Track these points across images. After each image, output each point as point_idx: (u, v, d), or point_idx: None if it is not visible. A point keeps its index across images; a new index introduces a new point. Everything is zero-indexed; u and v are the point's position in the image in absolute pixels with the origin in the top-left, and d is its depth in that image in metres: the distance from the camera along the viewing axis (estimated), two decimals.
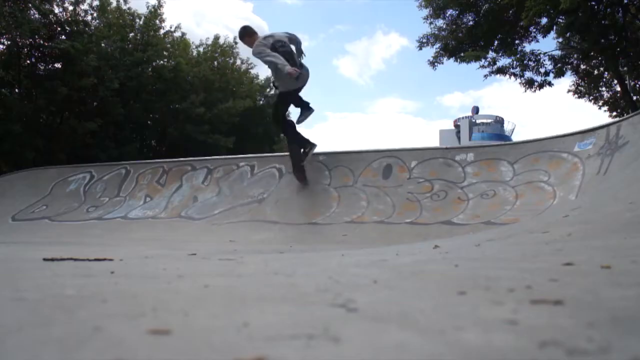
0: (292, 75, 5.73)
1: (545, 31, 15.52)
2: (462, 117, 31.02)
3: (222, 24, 70.28)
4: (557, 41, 16.91)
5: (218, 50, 21.32)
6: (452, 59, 17.15)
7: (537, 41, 17.19)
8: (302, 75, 6.06)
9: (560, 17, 14.23)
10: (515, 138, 30.46)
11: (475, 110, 31.25)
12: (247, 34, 6.23)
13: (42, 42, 13.81)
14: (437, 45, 17.16)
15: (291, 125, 6.73)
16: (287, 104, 6.74)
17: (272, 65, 5.93)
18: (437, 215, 5.71)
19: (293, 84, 6.07)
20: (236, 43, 22.04)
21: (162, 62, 17.96)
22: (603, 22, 14.15)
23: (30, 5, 13.01)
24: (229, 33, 21.54)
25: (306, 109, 6.58)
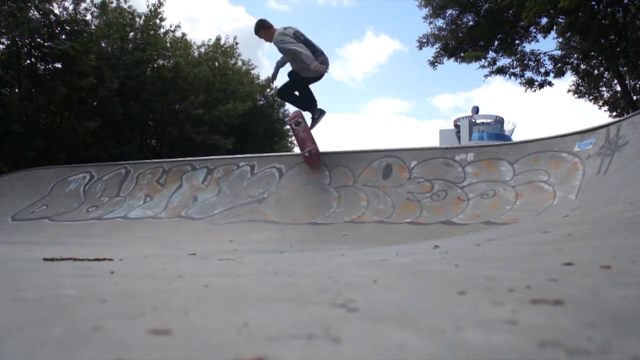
0: (318, 70, 5.94)
1: (545, 31, 15.52)
2: (462, 117, 30.99)
3: (215, 27, 70.06)
4: (557, 41, 16.92)
5: (219, 50, 21.35)
6: (452, 59, 17.17)
7: (537, 41, 17.21)
8: (325, 62, 6.20)
9: (560, 17, 14.24)
10: (515, 138, 30.43)
11: (475, 110, 31.21)
12: (263, 26, 6.23)
13: (42, 42, 13.81)
14: (437, 45, 17.17)
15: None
16: (304, 86, 6.65)
17: (295, 53, 5.97)
18: (437, 215, 5.71)
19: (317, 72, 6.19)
20: (237, 44, 22.06)
21: (162, 62, 17.97)
22: (603, 22, 14.15)
23: (30, 4, 13.01)
24: (222, 36, 21.60)
25: (314, 108, 6.67)
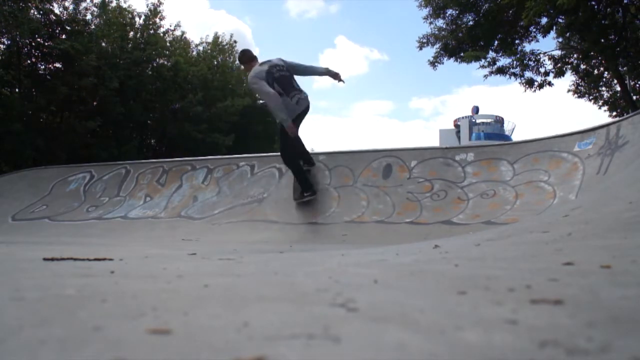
0: (290, 131, 5.65)
1: (545, 31, 15.52)
2: (462, 117, 30.99)
3: (197, 32, 68.52)
4: (557, 41, 16.92)
5: (217, 48, 21.37)
6: (452, 59, 17.18)
7: (537, 41, 17.21)
8: (301, 101, 5.84)
9: (560, 17, 14.23)
10: (515, 138, 30.39)
11: (475, 110, 31.21)
12: (245, 59, 6.08)
13: (42, 41, 13.82)
14: (437, 45, 17.18)
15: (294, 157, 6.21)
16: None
17: (267, 101, 5.77)
18: (437, 215, 5.71)
19: (292, 112, 5.70)
20: (235, 42, 22.08)
21: (161, 61, 17.98)
22: (603, 22, 14.15)
23: (30, 4, 13.01)
24: (220, 34, 21.37)
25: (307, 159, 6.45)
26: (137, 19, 17.70)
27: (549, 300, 0.75)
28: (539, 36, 16.45)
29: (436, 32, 17.08)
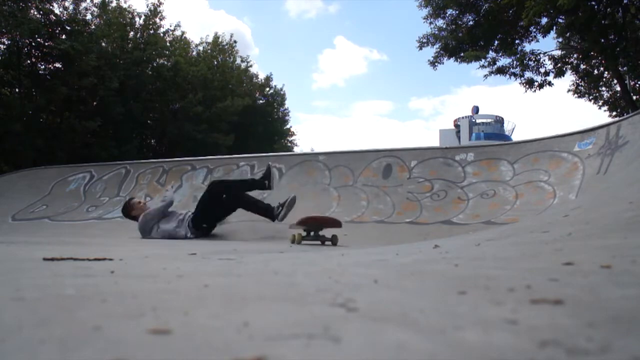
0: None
1: (545, 31, 15.52)
2: (462, 117, 31.01)
3: (196, 32, 67.79)
4: (557, 41, 16.93)
5: (217, 48, 21.38)
6: (452, 59, 17.18)
7: (537, 41, 17.23)
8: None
9: (560, 17, 14.24)
10: (515, 138, 30.39)
11: (475, 110, 31.23)
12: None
13: (42, 41, 13.82)
14: (437, 45, 17.18)
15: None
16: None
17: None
18: (437, 215, 5.71)
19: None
20: (235, 42, 22.06)
21: (161, 61, 17.99)
22: (603, 22, 14.15)
23: (30, 4, 13.01)
24: (220, 34, 21.27)
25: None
26: (137, 19, 17.72)
27: (549, 300, 0.74)
28: (539, 36, 16.47)
29: (436, 32, 17.08)
